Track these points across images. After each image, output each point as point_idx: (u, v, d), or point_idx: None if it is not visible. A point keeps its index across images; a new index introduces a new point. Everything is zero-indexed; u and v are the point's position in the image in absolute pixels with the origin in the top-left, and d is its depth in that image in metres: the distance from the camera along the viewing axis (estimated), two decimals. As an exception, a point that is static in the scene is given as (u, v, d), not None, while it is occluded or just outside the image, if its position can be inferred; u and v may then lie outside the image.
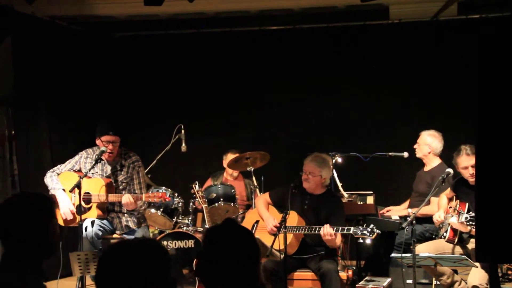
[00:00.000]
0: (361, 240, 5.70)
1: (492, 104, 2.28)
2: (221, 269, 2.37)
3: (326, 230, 5.02)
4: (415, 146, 6.39)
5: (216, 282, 2.40)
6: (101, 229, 5.49)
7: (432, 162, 6.29)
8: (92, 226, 5.42)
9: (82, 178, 5.20)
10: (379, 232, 5.02)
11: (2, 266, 2.59)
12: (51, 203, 2.73)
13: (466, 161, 5.26)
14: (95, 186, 5.45)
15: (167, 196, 5.53)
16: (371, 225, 4.99)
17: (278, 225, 5.34)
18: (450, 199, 5.63)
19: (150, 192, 5.62)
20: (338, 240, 5.23)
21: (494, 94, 2.28)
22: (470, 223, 4.96)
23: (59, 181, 5.54)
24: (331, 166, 5.57)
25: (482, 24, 7.13)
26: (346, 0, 7.20)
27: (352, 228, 5.01)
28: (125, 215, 5.63)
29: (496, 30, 2.29)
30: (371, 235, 4.97)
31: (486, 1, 7.22)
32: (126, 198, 5.34)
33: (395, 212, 6.45)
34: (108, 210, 5.59)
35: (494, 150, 2.29)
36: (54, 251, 2.71)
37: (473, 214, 4.94)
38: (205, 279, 2.44)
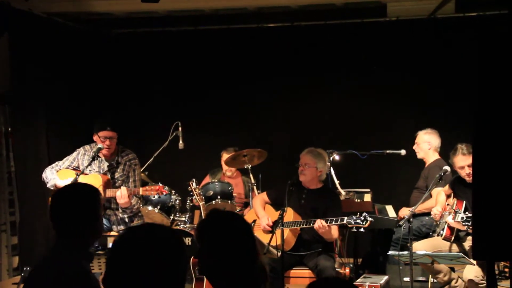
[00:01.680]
0: (354, 229, 5.70)
1: (490, 103, 2.28)
2: (221, 260, 2.40)
3: (319, 223, 5.04)
4: (414, 147, 6.41)
5: (219, 275, 2.42)
6: None
7: (431, 158, 6.33)
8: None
9: (78, 176, 5.18)
10: (372, 220, 5.04)
11: (55, 250, 2.83)
12: (99, 193, 2.99)
13: (462, 161, 5.27)
14: (94, 182, 5.39)
15: (164, 189, 5.51)
16: (364, 214, 5.01)
17: (271, 223, 5.36)
18: (448, 196, 5.64)
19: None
20: (335, 233, 5.23)
21: (492, 93, 2.28)
22: (466, 223, 4.97)
23: (57, 176, 5.54)
24: (327, 161, 5.58)
25: (479, 22, 7.13)
26: (344, -3, 7.21)
27: (345, 218, 5.04)
28: (121, 211, 5.62)
29: (496, 28, 2.29)
30: (364, 223, 5.00)
31: (483, -1, 7.24)
32: (119, 192, 5.31)
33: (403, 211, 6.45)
34: (105, 207, 5.57)
35: (492, 149, 2.29)
36: (100, 235, 3.02)
37: (469, 214, 4.96)
38: (208, 275, 2.47)
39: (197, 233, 2.50)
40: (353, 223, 5.03)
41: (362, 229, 5.25)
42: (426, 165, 6.37)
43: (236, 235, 2.44)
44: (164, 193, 5.52)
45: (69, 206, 2.85)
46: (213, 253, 2.41)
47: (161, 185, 5.51)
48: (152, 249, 1.99)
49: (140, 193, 5.43)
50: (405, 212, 6.31)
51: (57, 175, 5.51)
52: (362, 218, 4.99)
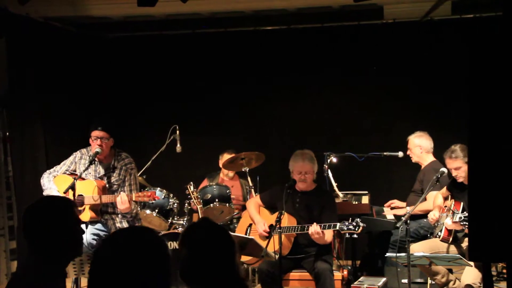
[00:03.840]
0: (348, 235, 5.70)
1: (484, 104, 2.29)
2: (199, 268, 2.45)
3: (314, 229, 5.03)
4: (408, 153, 6.43)
5: (197, 282, 2.48)
6: (95, 237, 5.46)
7: (425, 161, 6.34)
8: (86, 228, 5.40)
9: (76, 180, 5.18)
10: (364, 225, 5.03)
11: (27, 266, 2.72)
12: (74, 206, 2.86)
13: (449, 164, 5.36)
14: (88, 188, 5.42)
15: (156, 195, 5.50)
16: (356, 219, 5.00)
17: (268, 229, 5.35)
18: (445, 198, 5.65)
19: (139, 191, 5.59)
20: (329, 237, 5.23)
21: (485, 94, 2.28)
22: (464, 223, 4.97)
23: (54, 183, 5.53)
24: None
25: (476, 24, 7.15)
26: (340, 0, 7.21)
27: (338, 224, 5.03)
28: (119, 216, 5.61)
29: (488, 30, 2.29)
30: (356, 229, 4.98)
31: (479, 0, 7.24)
32: (120, 197, 5.31)
33: (397, 210, 6.46)
34: (101, 211, 5.57)
35: (487, 150, 2.30)
36: (78, 253, 2.86)
37: (467, 214, 4.97)
38: (187, 280, 2.52)
39: (182, 239, 2.54)
40: (345, 229, 5.02)
41: (355, 235, 5.22)
42: (421, 168, 6.38)
43: (220, 247, 2.49)
44: (156, 199, 5.52)
45: (42, 221, 2.70)
46: (195, 260, 2.45)
47: (153, 190, 5.50)
48: (134, 252, 1.98)
49: (133, 199, 5.40)
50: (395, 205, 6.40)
51: (54, 184, 5.49)
52: (355, 224, 4.98)
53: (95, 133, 5.46)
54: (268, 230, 5.39)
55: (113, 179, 5.57)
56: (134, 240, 2.02)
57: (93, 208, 5.44)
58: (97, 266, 2.01)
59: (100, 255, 2.02)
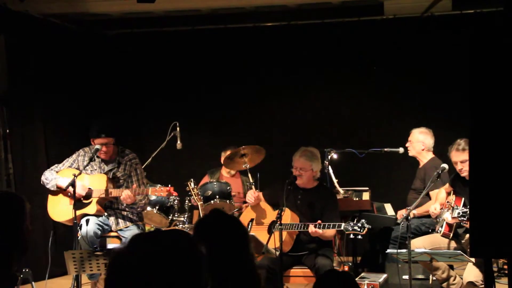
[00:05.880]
0: (352, 236, 5.69)
1: (485, 100, 2.28)
2: (214, 258, 2.38)
3: (312, 230, 5.04)
4: (407, 145, 6.39)
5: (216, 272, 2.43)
6: (100, 227, 5.48)
7: (425, 158, 6.32)
8: (87, 225, 5.41)
9: (76, 176, 5.19)
10: (370, 227, 5.01)
11: None
12: (23, 203, 2.62)
13: (455, 157, 5.26)
14: (99, 182, 5.47)
15: (174, 191, 5.54)
16: (362, 220, 4.97)
17: (257, 192, 5.39)
18: (448, 194, 5.63)
19: (156, 187, 5.63)
20: (331, 232, 5.22)
21: (486, 90, 2.27)
22: (462, 218, 4.96)
23: (58, 175, 5.56)
24: (320, 158, 5.56)
25: (476, 19, 7.13)
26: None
27: (343, 224, 5.00)
28: (122, 212, 5.62)
29: (489, 26, 2.28)
30: (361, 230, 4.95)
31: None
32: (125, 193, 5.34)
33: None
34: (105, 207, 5.59)
35: (488, 146, 2.29)
36: (25, 253, 2.62)
37: (465, 209, 4.96)
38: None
39: (197, 233, 2.48)
40: (350, 229, 4.98)
41: (359, 236, 5.13)
42: (420, 165, 6.34)
43: (237, 239, 2.42)
44: (174, 195, 5.55)
45: None
46: (211, 252, 2.40)
47: (171, 186, 5.52)
48: (164, 259, 1.69)
49: (149, 193, 5.43)
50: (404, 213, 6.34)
51: (58, 175, 5.53)
52: (360, 225, 4.93)
53: (100, 141, 5.50)
54: (256, 195, 5.45)
55: (118, 174, 5.61)
56: (164, 245, 1.71)
57: (100, 202, 5.48)
58: (117, 273, 1.68)
59: (121, 260, 1.69)
